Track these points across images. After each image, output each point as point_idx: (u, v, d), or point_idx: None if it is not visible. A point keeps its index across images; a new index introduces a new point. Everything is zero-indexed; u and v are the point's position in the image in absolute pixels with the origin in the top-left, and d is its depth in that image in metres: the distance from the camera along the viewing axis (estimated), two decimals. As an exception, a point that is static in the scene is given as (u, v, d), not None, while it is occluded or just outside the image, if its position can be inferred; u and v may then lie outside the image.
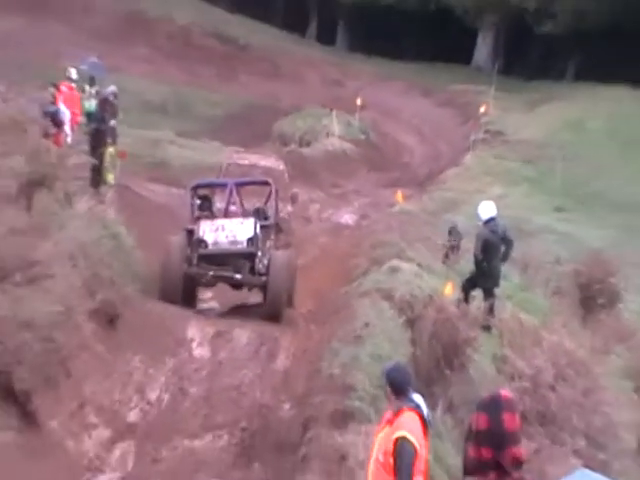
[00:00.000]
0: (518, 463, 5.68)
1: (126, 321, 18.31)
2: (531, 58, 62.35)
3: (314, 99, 52.17)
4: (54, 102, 24.05)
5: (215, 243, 21.19)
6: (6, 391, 13.60)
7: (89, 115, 24.81)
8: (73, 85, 26.06)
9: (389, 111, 51.61)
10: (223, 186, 23.50)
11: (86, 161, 22.54)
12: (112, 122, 24.99)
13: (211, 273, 21.08)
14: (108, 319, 18.09)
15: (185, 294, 21.01)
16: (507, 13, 60.38)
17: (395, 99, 53.59)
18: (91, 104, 24.81)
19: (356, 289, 21.80)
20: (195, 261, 21.04)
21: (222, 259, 21.20)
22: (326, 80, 57.80)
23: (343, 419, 14.62)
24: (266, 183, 23.71)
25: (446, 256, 26.28)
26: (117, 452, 14.96)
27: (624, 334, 24.45)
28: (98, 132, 24.46)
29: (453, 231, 27.06)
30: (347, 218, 35.26)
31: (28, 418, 13.80)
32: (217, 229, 21.27)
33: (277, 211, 23.58)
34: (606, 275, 24.96)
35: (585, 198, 43.10)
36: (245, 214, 22.50)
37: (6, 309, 13.62)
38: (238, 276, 21.19)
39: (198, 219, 21.82)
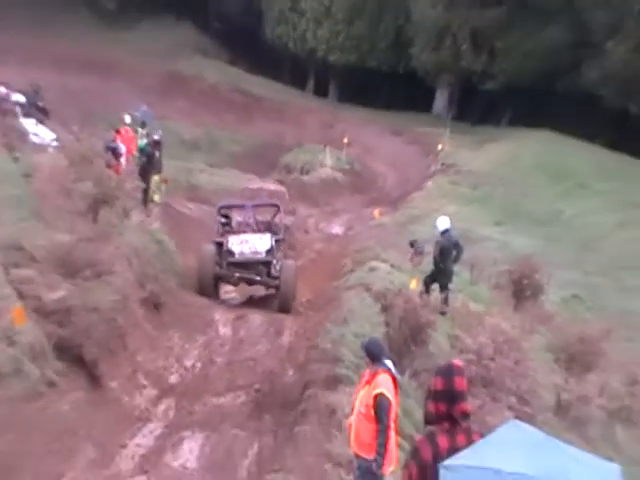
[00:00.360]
0: (466, 415, 5.73)
1: (168, 307, 18.38)
2: (476, 108, 62.35)
3: (311, 138, 52.13)
4: (115, 140, 24.09)
5: (241, 253, 21.95)
6: (78, 360, 13.64)
7: (141, 150, 24.78)
8: (128, 128, 26.07)
9: (368, 148, 51.53)
10: (242, 207, 23.92)
11: (138, 185, 22.56)
12: (157, 156, 25.05)
13: (237, 275, 21.75)
14: (154, 305, 18.15)
15: (215, 290, 21.90)
16: (458, 74, 60.34)
17: (373, 138, 53.50)
18: (142, 142, 24.79)
19: (344, 283, 21.87)
20: (225, 266, 21.73)
21: (246, 265, 21.91)
22: (321, 124, 57.68)
23: (333, 382, 14.64)
24: (275, 205, 24.31)
25: (410, 260, 26.44)
26: (161, 406, 14.95)
27: (545, 318, 24.48)
28: (147, 164, 24.51)
29: (414, 243, 27.23)
30: (337, 229, 35.24)
31: (95, 380, 13.83)
32: (242, 242, 22.01)
33: (284, 227, 24.01)
34: (532, 273, 24.96)
35: (517, 215, 43.16)
36: (262, 229, 22.90)
37: (78, 298, 13.67)
38: (258, 278, 21.95)
39: (225, 234, 22.39)
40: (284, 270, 21.65)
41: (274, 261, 22.09)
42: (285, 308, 21.17)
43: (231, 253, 21.90)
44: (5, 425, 10.65)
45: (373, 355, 9.91)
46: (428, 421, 5.82)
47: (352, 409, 10.16)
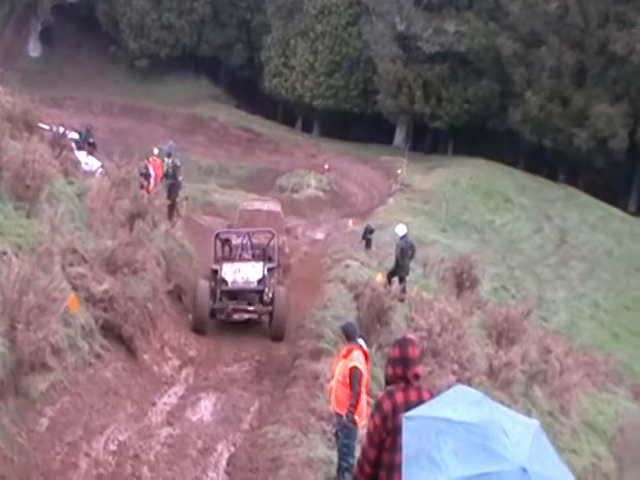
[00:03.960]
0: (417, 377, 5.72)
1: (188, 296, 18.29)
2: (427, 141, 62.57)
3: (299, 165, 52.15)
4: (146, 167, 23.97)
5: (234, 282, 17.88)
6: (119, 338, 13.54)
7: (167, 175, 24.66)
8: (157, 157, 25.93)
9: (343, 173, 51.59)
10: (239, 234, 20.19)
11: (165, 202, 22.44)
12: (180, 179, 24.97)
13: (231, 307, 17.64)
14: (178, 295, 18.04)
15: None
16: (413, 115, 60.59)
17: (347, 165, 53.58)
18: (168, 169, 24.65)
19: (324, 277, 21.80)
20: (219, 295, 17.74)
21: (238, 294, 17.88)
22: (306, 154, 57.71)
23: (317, 354, 14.62)
24: (270, 232, 19.81)
25: (367, 246, 26.64)
26: (183, 373, 14.87)
27: (480, 303, 24.56)
28: (172, 185, 24.38)
29: (366, 230, 27.43)
30: (319, 235, 35.28)
31: (131, 353, 13.74)
32: (235, 272, 18.05)
33: (279, 251, 19.93)
34: (470, 269, 25.05)
35: (458, 224, 43.32)
36: (257, 255, 19.16)
37: (118, 289, 13.57)
38: (251, 308, 17.73)
39: (221, 260, 18.73)
40: (276, 297, 17.57)
41: (266, 289, 17.91)
42: (278, 335, 17.23)
43: (224, 282, 17.83)
44: (62, 389, 10.57)
45: (349, 334, 9.93)
46: (388, 382, 5.80)
47: (332, 376, 10.14)
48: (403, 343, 5.79)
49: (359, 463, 5.64)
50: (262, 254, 19.06)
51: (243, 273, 18.02)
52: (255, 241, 19.96)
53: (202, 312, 17.04)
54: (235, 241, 19.88)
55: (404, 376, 5.64)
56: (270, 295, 17.79)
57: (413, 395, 5.58)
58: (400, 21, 58.54)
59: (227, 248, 19.46)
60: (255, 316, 17.90)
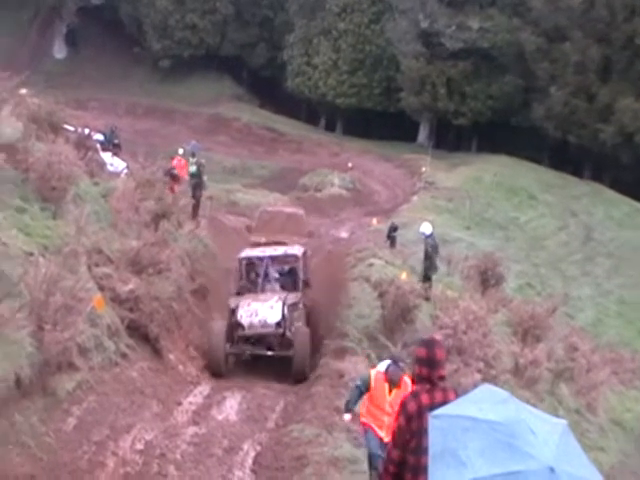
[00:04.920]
0: (442, 379, 5.71)
1: (212, 296, 18.32)
2: (450, 138, 62.29)
3: (322, 164, 52.02)
4: (171, 167, 24.04)
5: (250, 326, 16.01)
6: (144, 337, 13.65)
7: (191, 175, 24.70)
8: (181, 158, 26.02)
9: (366, 171, 51.43)
10: (260, 261, 18.01)
11: (189, 202, 22.51)
12: (204, 179, 25.01)
13: (248, 352, 16.30)
14: (202, 295, 18.11)
15: (226, 366, 15.99)
16: (436, 112, 60.31)
17: (370, 163, 53.43)
18: (192, 168, 24.69)
19: (349, 276, 21.78)
20: (236, 338, 16.12)
21: (256, 338, 16.22)
22: (330, 153, 57.63)
23: (341, 353, 14.65)
24: (294, 255, 18.23)
25: (391, 244, 26.50)
26: (207, 373, 14.98)
27: (505, 301, 24.43)
28: (196, 185, 24.44)
29: (391, 228, 27.26)
30: (342, 234, 35.15)
31: (156, 353, 13.85)
32: (251, 314, 16.12)
33: (306, 272, 18.31)
34: (494, 266, 24.93)
35: (482, 221, 43.08)
36: (278, 287, 17.56)
37: (143, 289, 13.66)
38: (270, 353, 16.14)
39: (241, 291, 17.28)
40: (297, 337, 15.81)
41: (287, 332, 16.10)
42: (300, 377, 15.26)
43: (240, 326, 16.09)
44: (89, 388, 10.65)
45: (396, 360, 9.29)
46: (414, 382, 5.80)
47: (374, 404, 9.28)
48: (430, 344, 5.78)
49: (384, 464, 5.65)
50: (288, 276, 17.84)
51: (261, 315, 16.15)
52: (277, 264, 18.36)
53: (217, 356, 15.56)
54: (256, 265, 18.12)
55: (429, 377, 5.63)
56: (293, 330, 16.09)
57: (439, 396, 5.58)
58: (423, 18, 58.29)
59: (251, 274, 17.86)
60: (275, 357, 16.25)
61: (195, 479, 9.44)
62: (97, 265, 13.34)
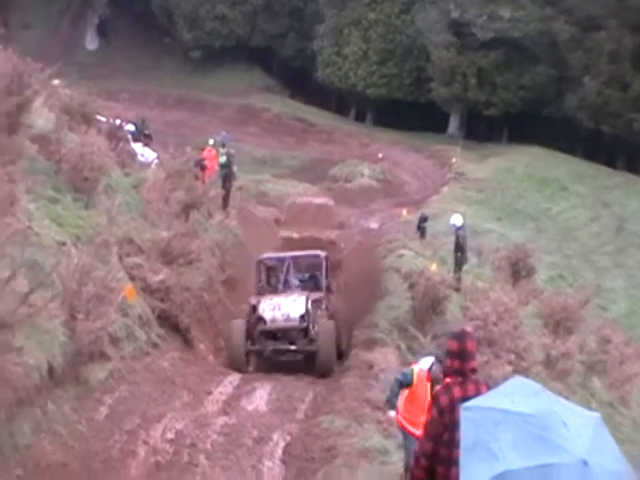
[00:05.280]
0: (474, 371, 5.68)
1: (242, 286, 18.36)
2: (481, 129, 61.85)
3: (353, 155, 51.94)
4: (202, 158, 24.11)
5: (272, 320, 15.38)
6: (175, 327, 13.74)
7: (222, 166, 24.75)
8: (212, 148, 26.08)
9: (396, 162, 51.24)
10: (282, 261, 17.30)
11: (219, 193, 22.55)
12: (234, 169, 25.05)
13: (270, 348, 15.43)
14: (232, 285, 18.17)
15: (247, 363, 15.35)
16: (467, 103, 59.92)
17: (400, 154, 53.23)
18: (222, 159, 24.74)
19: (379, 267, 21.74)
20: (257, 335, 15.41)
21: (279, 333, 15.54)
22: (360, 143, 57.48)
23: (371, 344, 14.62)
24: (317, 256, 17.26)
25: (422, 236, 26.34)
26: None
27: (536, 293, 24.26)
28: (226, 176, 24.48)
29: (420, 219, 27.04)
30: (372, 225, 35.08)
31: (187, 343, 13.94)
32: (274, 308, 15.51)
33: (328, 275, 17.13)
34: (526, 257, 24.78)
35: (513, 212, 42.78)
36: (301, 284, 16.87)
37: (174, 280, 13.74)
38: (293, 347, 15.41)
39: (262, 290, 16.57)
40: (322, 332, 15.10)
41: (310, 326, 15.38)
42: (324, 374, 14.66)
43: (262, 320, 15.39)
44: (120, 378, 10.74)
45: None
46: (445, 375, 5.77)
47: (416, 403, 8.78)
48: (461, 336, 5.75)
49: (416, 456, 5.62)
50: (309, 281, 17.03)
51: (284, 309, 15.50)
52: (302, 262, 17.64)
53: (237, 354, 15.00)
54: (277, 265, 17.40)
55: (461, 370, 5.60)
56: (316, 328, 15.35)
57: (471, 389, 5.55)
58: (454, 8, 57.87)
59: (271, 276, 17.17)
60: (299, 356, 15.63)
61: (225, 469, 9.48)
62: (128, 255, 13.43)
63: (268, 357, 15.52)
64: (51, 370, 8.93)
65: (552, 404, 4.41)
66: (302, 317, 15.31)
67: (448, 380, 5.68)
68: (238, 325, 15.23)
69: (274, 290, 16.52)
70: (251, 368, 15.19)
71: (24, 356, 8.08)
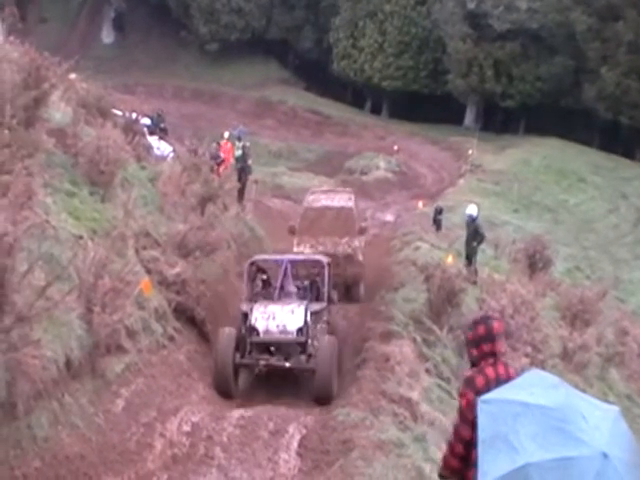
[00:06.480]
0: (503, 353, 5.62)
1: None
2: (498, 121, 61.61)
3: (368, 147, 51.95)
4: (218, 151, 24.16)
5: (266, 331, 13.10)
6: (191, 321, 13.72)
7: (237, 159, 24.82)
8: (228, 141, 26.12)
9: (412, 154, 51.19)
10: (279, 264, 15.02)
11: (235, 186, 22.54)
12: (249, 162, 25.09)
13: (262, 363, 13.02)
14: (249, 278, 18.15)
15: (235, 382, 12.98)
16: (483, 94, 59.73)
17: (416, 147, 53.18)
18: (238, 152, 24.82)
19: (395, 259, 21.70)
20: (248, 347, 13.14)
21: (272, 346, 13.21)
22: (375, 136, 57.43)
23: (387, 336, 14.56)
24: (318, 262, 15.20)
25: (437, 228, 26.26)
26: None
27: (554, 285, 24.15)
28: (242, 169, 24.54)
29: (436, 211, 26.97)
30: (388, 217, 35.01)
31: (203, 336, 13.91)
32: (268, 317, 13.22)
33: (329, 285, 14.78)
34: (543, 249, 24.68)
35: (530, 204, 42.60)
36: (299, 293, 14.56)
37: (190, 272, 13.72)
38: (287, 364, 13.07)
39: (255, 297, 14.25)
40: (321, 349, 12.92)
41: (309, 341, 13.20)
42: (322, 397, 12.42)
43: (254, 330, 13.10)
44: (137, 371, 10.76)
45: None
46: (474, 364, 5.67)
47: None
48: (486, 319, 5.70)
49: (449, 443, 5.46)
50: (308, 289, 14.85)
51: (279, 320, 13.23)
52: (301, 267, 15.83)
53: (224, 369, 12.69)
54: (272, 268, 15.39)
55: (493, 351, 5.53)
56: (316, 344, 13.24)
57: (502, 370, 5.47)
58: (470, -1, 57.68)
59: (265, 281, 15.03)
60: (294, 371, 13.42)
61: (241, 461, 9.49)
62: (144, 248, 13.43)
63: (259, 372, 13.26)
64: (68, 363, 8.95)
65: (571, 397, 4.39)
66: (300, 330, 13.17)
67: (480, 364, 5.58)
68: (227, 334, 13.07)
69: (268, 297, 14.34)
70: (239, 389, 13.13)
71: (42, 349, 8.10)
